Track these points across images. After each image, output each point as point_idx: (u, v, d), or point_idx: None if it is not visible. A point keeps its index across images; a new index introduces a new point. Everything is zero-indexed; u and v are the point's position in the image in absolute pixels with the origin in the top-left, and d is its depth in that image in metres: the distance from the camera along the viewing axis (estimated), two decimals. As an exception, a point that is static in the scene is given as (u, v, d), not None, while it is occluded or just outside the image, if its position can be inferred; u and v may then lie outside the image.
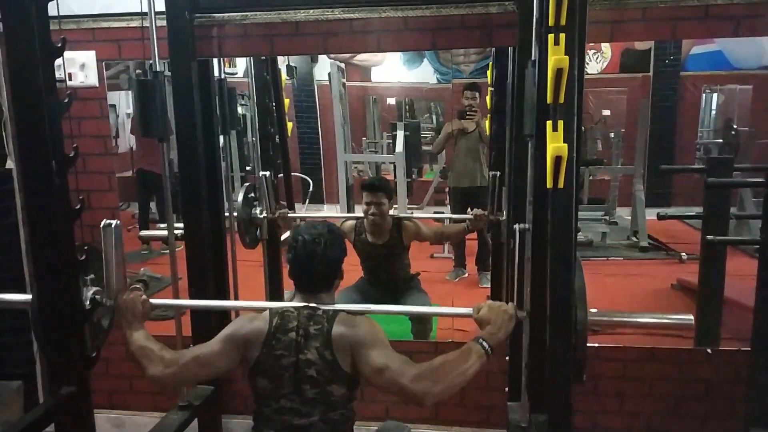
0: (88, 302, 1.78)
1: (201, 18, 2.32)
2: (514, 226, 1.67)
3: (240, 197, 2.86)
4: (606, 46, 5.99)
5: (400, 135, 5.16)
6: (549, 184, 1.17)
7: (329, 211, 5.77)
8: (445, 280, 4.49)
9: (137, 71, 2.09)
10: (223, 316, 2.36)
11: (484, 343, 1.52)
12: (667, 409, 2.44)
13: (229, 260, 2.68)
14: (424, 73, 6.80)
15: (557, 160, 1.11)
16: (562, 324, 1.22)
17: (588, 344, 2.45)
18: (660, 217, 2.69)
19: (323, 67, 5.87)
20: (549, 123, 1.18)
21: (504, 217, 2.56)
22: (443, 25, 2.27)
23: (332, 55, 5.60)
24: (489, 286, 3.23)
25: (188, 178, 2.32)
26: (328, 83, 5.50)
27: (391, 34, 2.32)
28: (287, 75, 6.08)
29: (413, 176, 5.76)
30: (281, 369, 1.54)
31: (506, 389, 2.27)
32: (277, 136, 3.23)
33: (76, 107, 2.51)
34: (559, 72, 1.12)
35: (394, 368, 1.48)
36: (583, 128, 4.71)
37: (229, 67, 4.16)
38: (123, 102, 5.50)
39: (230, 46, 2.41)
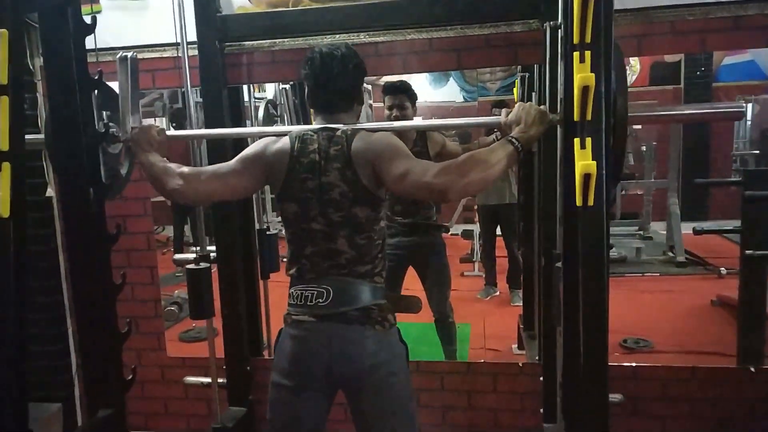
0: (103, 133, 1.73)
1: (231, 47, 2.38)
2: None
3: (260, 113, 2.86)
4: (635, 60, 5.93)
5: (428, 154, 5.16)
6: (578, 202, 1.16)
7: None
8: (476, 299, 4.45)
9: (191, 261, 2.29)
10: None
11: (513, 140, 1.43)
12: (710, 430, 2.35)
13: (260, 281, 2.72)
14: (449, 93, 6.83)
15: (586, 177, 1.10)
16: (595, 346, 1.20)
17: (626, 364, 2.43)
18: (696, 232, 2.63)
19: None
20: (576, 140, 1.17)
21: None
22: (468, 45, 2.29)
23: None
24: (521, 304, 3.20)
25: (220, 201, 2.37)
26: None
27: (416, 55, 2.34)
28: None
29: (441, 195, 5.71)
30: (307, 192, 1.54)
31: (541, 410, 2.24)
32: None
33: (112, 136, 2.61)
34: (585, 90, 1.11)
35: (416, 171, 1.44)
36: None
37: (259, 91, 4.25)
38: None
39: (259, 73, 2.46)
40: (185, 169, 1.60)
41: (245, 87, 2.74)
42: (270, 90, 3.55)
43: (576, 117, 1.18)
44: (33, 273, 2.51)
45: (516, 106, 1.52)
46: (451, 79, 6.79)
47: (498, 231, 4.56)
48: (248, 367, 2.50)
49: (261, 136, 1.70)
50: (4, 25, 1.37)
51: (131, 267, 2.68)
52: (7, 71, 1.38)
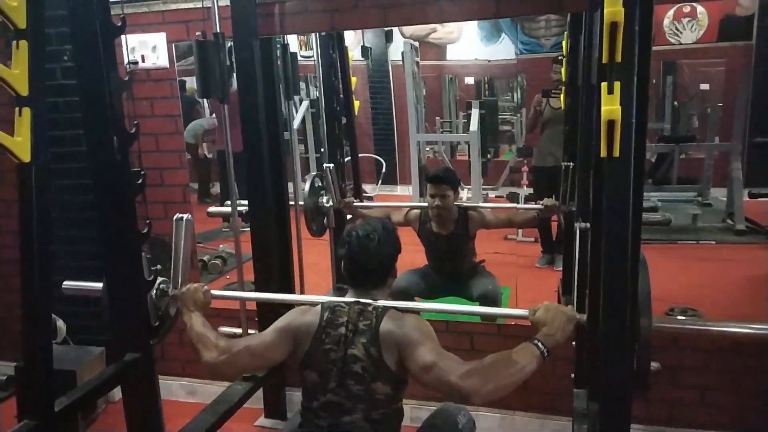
0: (154, 291, 1.86)
1: (263, -5, 2.33)
2: (576, 224, 1.55)
3: (306, 187, 2.88)
4: (702, 13, 5.52)
5: (475, 113, 5.04)
6: (602, 153, 1.06)
7: (402, 192, 5.73)
8: (518, 264, 4.34)
9: (197, 33, 2.17)
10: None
11: (540, 345, 1.44)
12: (751, 402, 2.23)
13: (294, 238, 2.72)
14: (501, 50, 6.55)
15: (610, 125, 1.00)
16: (615, 317, 1.12)
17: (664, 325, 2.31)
18: (751, 195, 2.44)
19: (398, 47, 5.81)
20: (604, 85, 1.07)
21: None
22: (508, -9, 2.16)
23: (407, 34, 5.53)
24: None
25: (252, 155, 2.36)
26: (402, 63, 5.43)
27: (452, 3, 2.23)
28: (362, 56, 6.06)
29: (489, 156, 5.60)
30: (329, 363, 1.56)
31: (572, 375, 2.17)
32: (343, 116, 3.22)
33: (150, 88, 2.63)
34: (613, 26, 1.01)
35: (442, 366, 1.45)
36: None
37: (305, 50, 4.19)
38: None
39: (291, 23, 2.41)
40: (221, 342, 1.65)
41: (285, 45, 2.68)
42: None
43: (604, 59, 1.07)
44: (74, 221, 2.60)
45: (543, 307, 1.51)
46: (503, 35, 6.52)
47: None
48: (279, 320, 2.52)
49: (301, 303, 1.75)
50: (21, -32, 1.36)
51: (168, 219, 2.71)
52: (25, 15, 1.38)
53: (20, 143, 1.39)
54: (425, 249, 3.01)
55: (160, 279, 1.88)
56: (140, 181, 1.75)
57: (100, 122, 1.64)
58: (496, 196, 5.10)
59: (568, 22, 2.82)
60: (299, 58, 3.54)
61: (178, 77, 2.61)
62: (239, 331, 2.48)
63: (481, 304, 2.92)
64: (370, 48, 6.05)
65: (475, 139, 4.85)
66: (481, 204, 3.34)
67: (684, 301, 3.30)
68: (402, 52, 5.26)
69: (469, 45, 6.68)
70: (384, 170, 5.49)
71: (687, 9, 5.24)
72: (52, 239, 2.78)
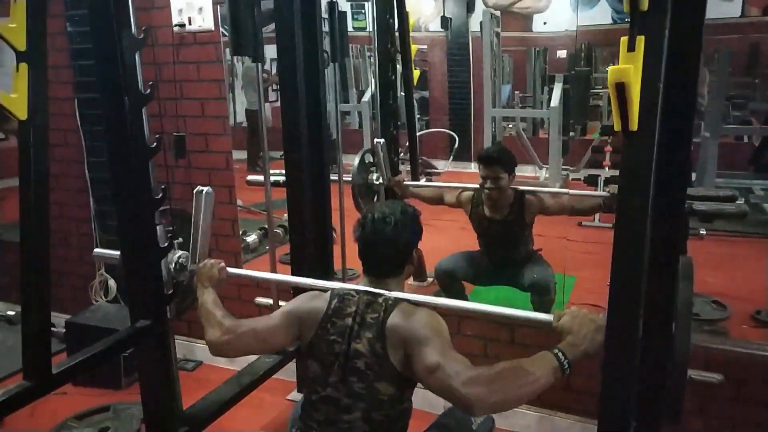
0: (173, 265, 1.81)
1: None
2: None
3: (356, 162, 2.75)
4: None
5: (558, 88, 4.70)
6: (616, 126, 0.85)
7: (474, 170, 5.48)
8: (589, 252, 4.02)
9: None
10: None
11: (560, 355, 1.28)
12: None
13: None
14: (598, 16, 5.97)
15: (619, 88, 0.79)
16: (623, 328, 0.92)
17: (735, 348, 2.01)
18: None
19: (480, 18, 5.51)
20: (623, 39, 0.86)
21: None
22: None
23: (490, 4, 5.25)
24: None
25: (288, 121, 2.26)
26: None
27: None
28: (442, 26, 5.82)
29: (571, 134, 5.23)
30: (332, 355, 1.47)
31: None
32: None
33: (196, 52, 2.60)
34: (631, -36, 0.79)
35: (447, 368, 1.30)
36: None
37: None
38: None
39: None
40: (226, 321, 1.60)
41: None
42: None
43: (626, 8, 0.85)
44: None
45: (569, 313, 1.35)
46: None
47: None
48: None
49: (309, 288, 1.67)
50: None
51: (212, 185, 2.71)
52: (23, -33, 1.33)
53: (17, 100, 1.37)
54: (477, 234, 2.82)
55: (180, 252, 1.84)
56: (155, 144, 1.69)
57: (111, 82, 1.60)
58: (573, 179, 4.75)
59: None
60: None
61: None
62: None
63: (531, 293, 2.70)
64: (450, 18, 5.78)
65: (555, 115, 4.52)
66: (541, 189, 3.02)
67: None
68: (480, 22, 4.99)
69: (562, 14, 6.22)
70: (457, 146, 5.27)
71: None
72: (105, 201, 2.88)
